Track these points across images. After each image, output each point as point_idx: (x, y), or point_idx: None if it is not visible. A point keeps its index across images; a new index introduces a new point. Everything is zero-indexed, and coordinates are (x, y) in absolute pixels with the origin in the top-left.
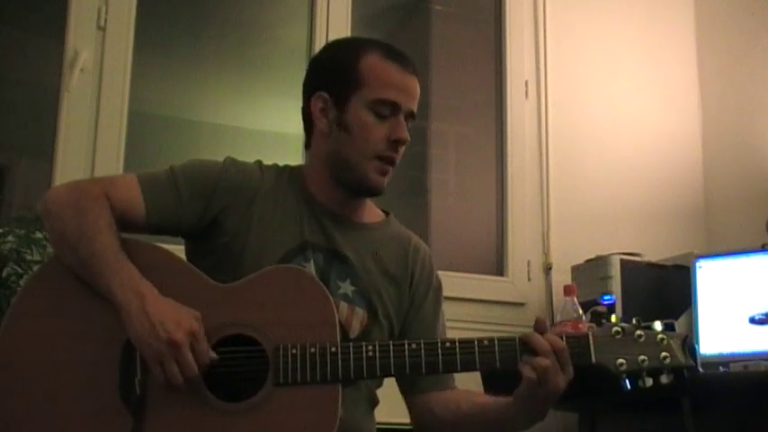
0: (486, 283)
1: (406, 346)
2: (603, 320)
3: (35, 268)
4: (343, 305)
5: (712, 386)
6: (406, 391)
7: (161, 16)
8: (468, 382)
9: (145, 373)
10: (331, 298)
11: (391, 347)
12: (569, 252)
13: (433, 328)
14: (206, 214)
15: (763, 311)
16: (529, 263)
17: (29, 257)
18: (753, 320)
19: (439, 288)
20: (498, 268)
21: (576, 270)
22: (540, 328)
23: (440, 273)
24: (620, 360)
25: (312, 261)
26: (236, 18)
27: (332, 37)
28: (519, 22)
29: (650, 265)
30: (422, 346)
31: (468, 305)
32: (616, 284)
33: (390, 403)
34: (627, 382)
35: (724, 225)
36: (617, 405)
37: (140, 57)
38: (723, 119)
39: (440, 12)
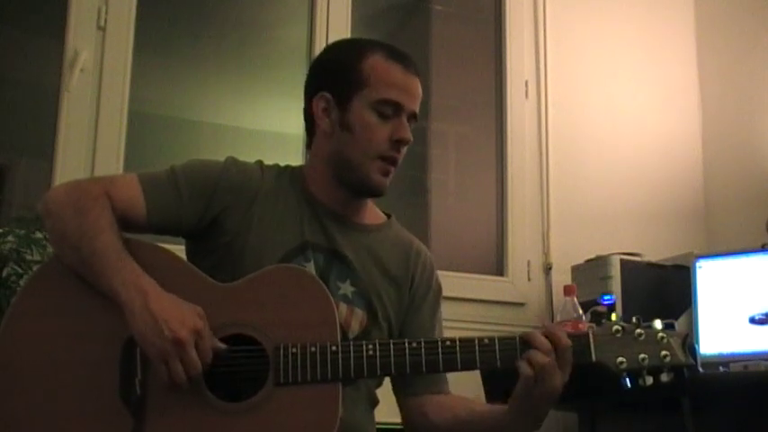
0: (486, 283)
1: (407, 344)
2: (603, 320)
3: (35, 268)
4: (343, 306)
5: (712, 386)
6: (399, 392)
7: (161, 16)
8: (469, 383)
9: (145, 373)
10: (331, 297)
11: (391, 346)
12: (569, 252)
13: (430, 330)
14: (207, 214)
15: (763, 311)
16: (529, 263)
17: (29, 257)
18: (753, 320)
19: (438, 291)
20: (498, 268)
21: (575, 270)
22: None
23: (440, 273)
24: (621, 359)
25: (312, 261)
26: (236, 18)
27: (332, 37)
28: (519, 22)
29: (650, 265)
30: (422, 344)
31: (468, 305)
32: (616, 284)
33: (390, 403)
34: (627, 380)
35: (724, 225)
36: (617, 405)
37: (140, 57)
38: (723, 119)
39: (440, 12)
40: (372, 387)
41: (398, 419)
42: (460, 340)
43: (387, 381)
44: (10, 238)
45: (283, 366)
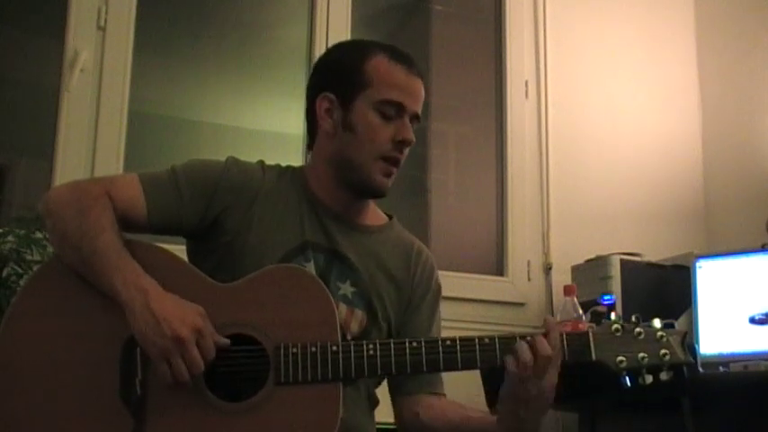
0: (486, 283)
1: (407, 344)
2: (603, 320)
3: (35, 268)
4: (342, 306)
5: (712, 386)
6: (393, 391)
7: (161, 16)
8: (469, 383)
9: (145, 373)
10: (331, 297)
11: (392, 346)
12: (569, 252)
13: (427, 330)
14: (207, 214)
15: (763, 311)
16: (529, 263)
17: (29, 257)
18: (753, 320)
19: (438, 292)
20: (498, 268)
21: (575, 270)
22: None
23: (440, 273)
24: (620, 357)
25: (312, 261)
26: (236, 18)
27: (332, 37)
28: (519, 22)
29: (650, 265)
30: (422, 344)
31: (468, 305)
32: (616, 284)
33: (390, 403)
34: (627, 379)
35: (724, 225)
36: (617, 405)
37: (140, 57)
38: (723, 119)
39: (440, 12)
40: (372, 387)
41: None
42: (461, 339)
43: (385, 381)
44: (10, 238)
45: (284, 366)
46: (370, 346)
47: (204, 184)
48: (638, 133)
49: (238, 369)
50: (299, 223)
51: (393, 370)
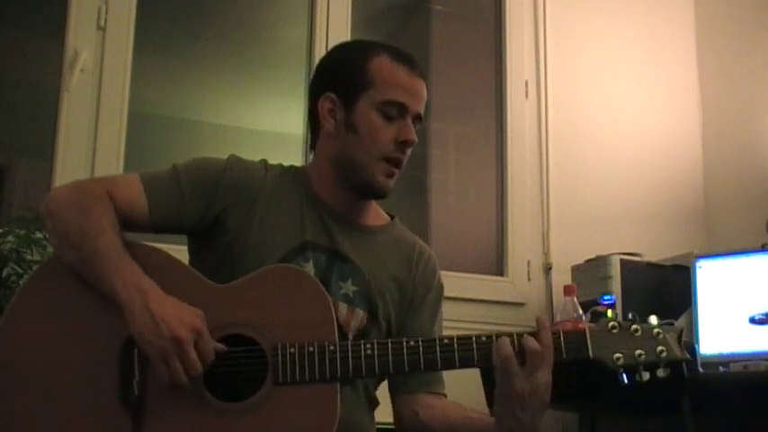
0: (486, 283)
1: (405, 343)
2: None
3: (35, 268)
4: (343, 306)
5: (712, 386)
6: (393, 390)
7: (161, 16)
8: (469, 383)
9: (143, 374)
10: (329, 297)
11: (389, 345)
12: (569, 252)
13: (429, 330)
14: (209, 213)
15: (763, 311)
16: (529, 263)
17: (29, 257)
18: (753, 320)
19: (440, 292)
20: (498, 268)
21: (575, 270)
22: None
23: (440, 273)
24: (617, 354)
25: (312, 261)
26: (236, 18)
27: (332, 37)
28: (519, 22)
29: (650, 265)
30: (420, 343)
31: (468, 305)
32: (616, 284)
33: (390, 403)
34: (624, 376)
35: (724, 225)
36: (617, 405)
37: (140, 57)
38: (723, 119)
39: (440, 12)
40: (372, 387)
41: None
42: (458, 338)
43: (385, 381)
44: (10, 238)
45: (282, 366)
46: (368, 345)
47: (206, 183)
48: (638, 133)
49: (237, 369)
50: (299, 223)
51: (391, 369)
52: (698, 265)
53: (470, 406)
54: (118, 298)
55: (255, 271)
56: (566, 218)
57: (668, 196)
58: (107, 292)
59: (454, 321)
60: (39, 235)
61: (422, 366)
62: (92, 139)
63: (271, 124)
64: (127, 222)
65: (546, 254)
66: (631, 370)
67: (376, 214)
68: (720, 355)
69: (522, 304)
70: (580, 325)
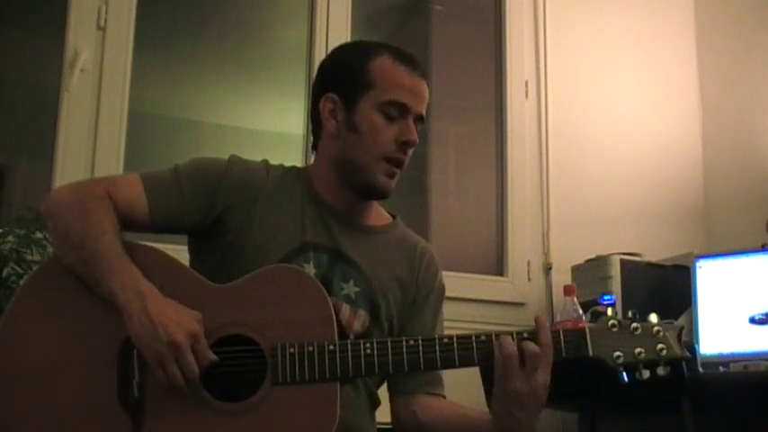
0: (486, 283)
1: (404, 343)
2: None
3: (35, 268)
4: (345, 307)
5: (712, 386)
6: (392, 389)
7: (161, 16)
8: (469, 383)
9: (143, 375)
10: (328, 297)
11: (389, 345)
12: (569, 252)
13: (430, 330)
14: (210, 212)
15: (763, 311)
16: (529, 263)
17: (29, 257)
18: (753, 320)
19: (441, 292)
20: (498, 268)
21: (575, 270)
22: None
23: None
24: (617, 353)
25: (312, 262)
26: (236, 18)
27: (332, 37)
28: (519, 22)
29: (650, 265)
30: (419, 342)
31: (468, 305)
32: (616, 284)
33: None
34: (624, 374)
35: (724, 225)
36: (617, 405)
37: (140, 57)
38: (723, 119)
39: (440, 12)
40: (373, 388)
41: None
42: (458, 337)
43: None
44: (10, 238)
45: (281, 366)
46: (368, 345)
47: (207, 183)
48: (638, 133)
49: (236, 369)
50: (300, 224)
51: (390, 369)
52: (698, 265)
53: (470, 406)
54: (116, 300)
55: (255, 271)
56: (566, 218)
57: (668, 196)
58: (106, 294)
59: (454, 321)
60: (39, 235)
61: (422, 366)
62: (92, 139)
63: (271, 124)
64: (127, 222)
65: (546, 254)
66: (631, 368)
67: (378, 214)
68: (720, 355)
69: (522, 304)
70: (580, 325)
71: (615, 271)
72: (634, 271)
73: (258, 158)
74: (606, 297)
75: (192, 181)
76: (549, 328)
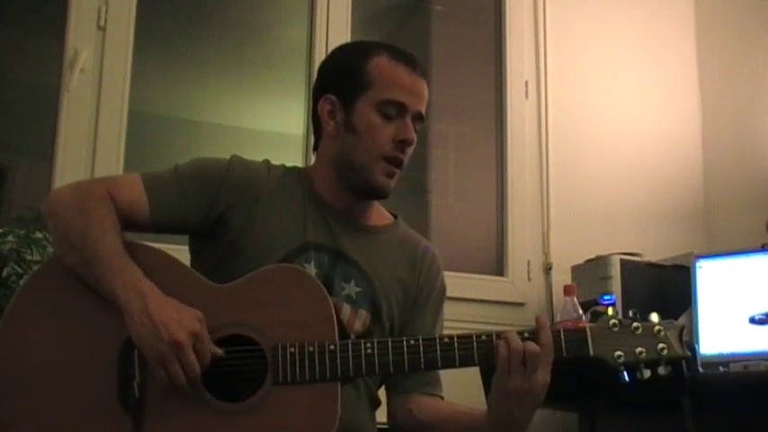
0: (486, 283)
1: (405, 342)
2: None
3: (35, 268)
4: (346, 307)
5: (712, 386)
6: (390, 389)
7: (161, 16)
8: (469, 383)
9: (143, 376)
10: (329, 297)
11: (390, 345)
12: (569, 252)
13: (431, 330)
14: (211, 212)
15: (763, 311)
16: (529, 263)
17: (29, 257)
18: (753, 320)
19: (442, 292)
20: (498, 268)
21: (575, 270)
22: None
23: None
24: (618, 352)
25: (313, 262)
26: (236, 18)
27: (332, 37)
28: (519, 22)
29: (650, 265)
30: (420, 342)
31: (468, 305)
32: (616, 284)
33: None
34: (625, 374)
35: (724, 225)
36: (617, 405)
37: (140, 57)
38: (723, 119)
39: (440, 12)
40: (373, 388)
41: None
42: (458, 337)
43: None
44: (10, 238)
45: (281, 366)
46: (368, 344)
47: (208, 183)
48: (638, 133)
49: (236, 369)
50: (301, 224)
51: (391, 369)
52: (698, 265)
53: (470, 406)
54: (117, 300)
55: (256, 271)
56: (566, 218)
57: (668, 196)
58: (107, 294)
59: (454, 321)
60: (39, 235)
61: (422, 365)
62: (92, 139)
63: (271, 124)
64: (128, 222)
65: (546, 254)
66: (632, 368)
67: (379, 214)
68: (720, 355)
69: (522, 304)
70: (580, 324)
71: (615, 271)
72: (634, 271)
73: (258, 158)
74: (606, 297)
75: (193, 180)
76: (550, 328)
